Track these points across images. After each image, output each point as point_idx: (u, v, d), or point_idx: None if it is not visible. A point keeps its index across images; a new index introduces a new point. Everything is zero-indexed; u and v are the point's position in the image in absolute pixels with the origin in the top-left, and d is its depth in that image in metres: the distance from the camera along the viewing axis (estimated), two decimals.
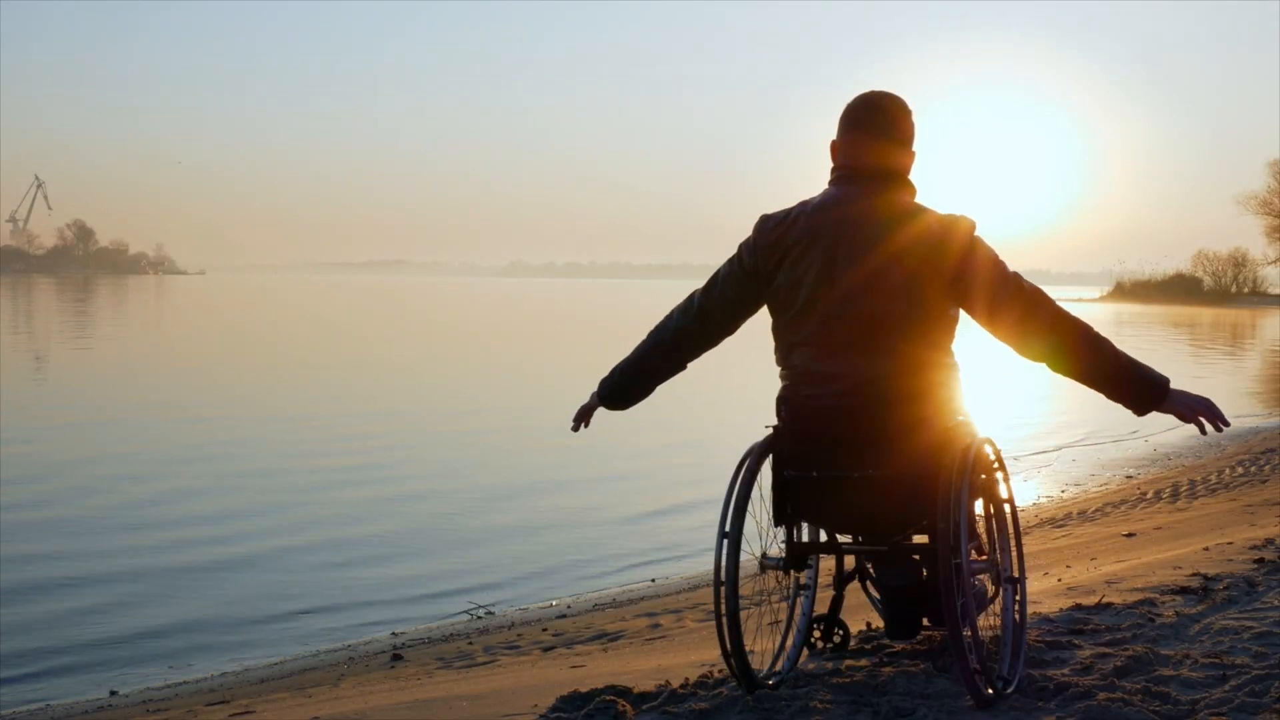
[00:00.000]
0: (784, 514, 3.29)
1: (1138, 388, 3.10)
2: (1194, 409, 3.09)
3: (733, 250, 3.38)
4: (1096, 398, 3.23)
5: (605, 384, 3.52)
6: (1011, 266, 3.17)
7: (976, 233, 3.14)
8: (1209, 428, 3.09)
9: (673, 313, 3.44)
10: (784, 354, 3.27)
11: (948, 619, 2.97)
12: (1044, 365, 3.16)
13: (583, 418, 3.58)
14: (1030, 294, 3.13)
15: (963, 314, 3.25)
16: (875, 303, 3.12)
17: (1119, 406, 3.16)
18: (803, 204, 3.28)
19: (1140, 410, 3.13)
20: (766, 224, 3.28)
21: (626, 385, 3.48)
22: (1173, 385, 3.11)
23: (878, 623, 3.88)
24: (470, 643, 6.20)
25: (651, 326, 3.48)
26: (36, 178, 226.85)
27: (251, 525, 9.69)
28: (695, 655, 4.55)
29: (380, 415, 17.28)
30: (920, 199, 3.26)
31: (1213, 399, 3.09)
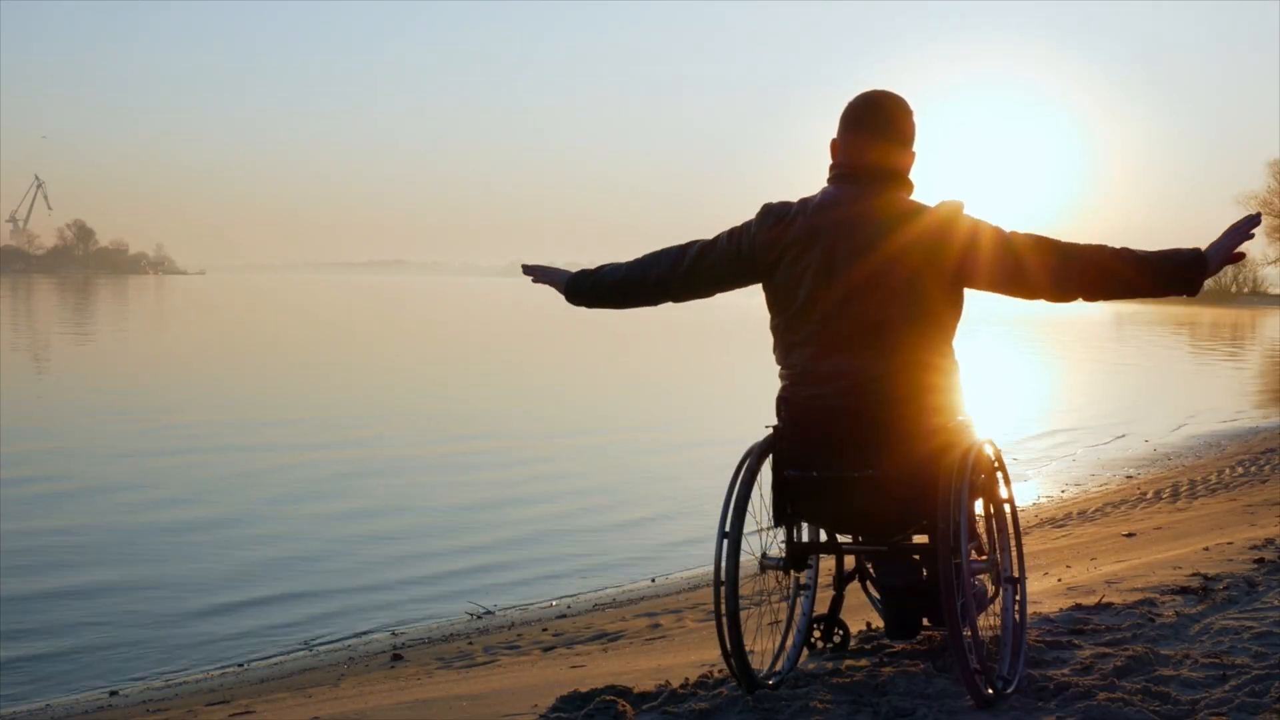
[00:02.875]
0: (784, 514, 3.29)
1: (1177, 276, 3.06)
2: (1233, 240, 3.07)
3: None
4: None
5: (580, 284, 3.56)
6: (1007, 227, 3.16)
7: (966, 212, 3.14)
8: (1252, 233, 3.06)
9: (666, 254, 3.44)
10: (784, 354, 3.27)
11: (948, 619, 2.97)
12: (1080, 301, 3.14)
13: (541, 279, 3.67)
14: (1034, 249, 3.10)
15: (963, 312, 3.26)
16: (875, 303, 3.12)
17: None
18: (804, 201, 3.27)
19: (1192, 291, 3.07)
20: (767, 219, 3.27)
21: (596, 298, 3.58)
22: (1204, 249, 3.08)
23: (878, 623, 3.88)
24: (470, 643, 6.20)
25: (653, 307, 3.55)
26: (36, 178, 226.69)
27: (251, 525, 9.69)
28: (695, 655, 4.54)
29: (380, 416, 17.28)
30: (918, 199, 3.26)
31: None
